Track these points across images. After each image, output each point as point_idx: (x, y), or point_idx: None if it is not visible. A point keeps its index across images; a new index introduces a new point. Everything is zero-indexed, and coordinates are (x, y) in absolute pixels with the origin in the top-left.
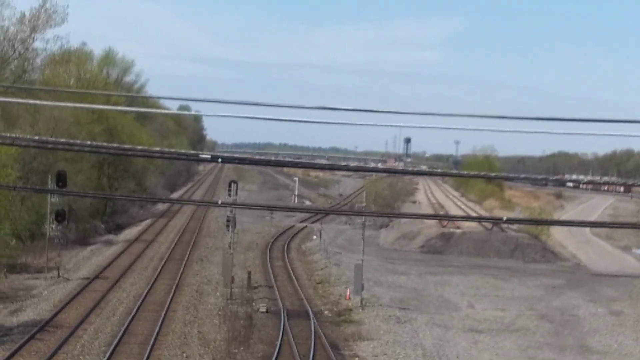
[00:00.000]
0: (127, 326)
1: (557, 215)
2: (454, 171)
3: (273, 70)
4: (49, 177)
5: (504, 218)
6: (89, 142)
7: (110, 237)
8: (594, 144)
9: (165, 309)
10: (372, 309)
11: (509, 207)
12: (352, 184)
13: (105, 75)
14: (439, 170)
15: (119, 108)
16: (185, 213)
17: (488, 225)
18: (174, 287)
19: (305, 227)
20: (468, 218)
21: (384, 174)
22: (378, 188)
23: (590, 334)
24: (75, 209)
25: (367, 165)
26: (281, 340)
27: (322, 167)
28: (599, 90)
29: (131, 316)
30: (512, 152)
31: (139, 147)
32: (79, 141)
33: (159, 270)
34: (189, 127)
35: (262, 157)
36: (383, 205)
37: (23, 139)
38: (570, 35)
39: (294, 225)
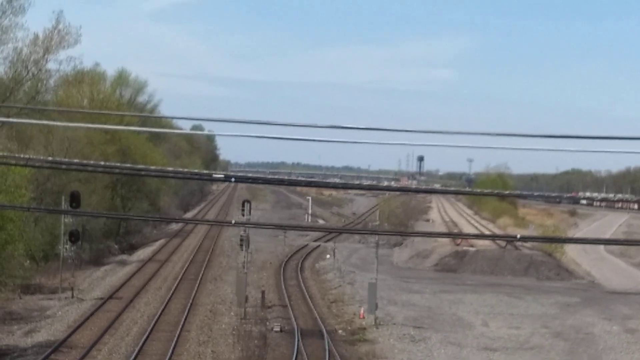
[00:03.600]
0: (141, 346)
1: (571, 233)
2: (467, 189)
3: (286, 89)
4: (63, 197)
5: (518, 236)
6: (102, 163)
7: (124, 257)
8: (608, 161)
9: (179, 328)
10: (386, 327)
11: (522, 224)
12: (366, 203)
13: (118, 96)
14: (452, 189)
15: (132, 128)
16: (199, 233)
17: (502, 243)
18: (187, 307)
19: (319, 246)
20: (482, 236)
21: (397, 193)
22: (391, 206)
23: (605, 352)
24: (89, 230)
25: (380, 184)
26: None
27: (335, 186)
28: (613, 107)
29: (145, 336)
30: (526, 170)
31: (152, 167)
32: (92, 162)
33: (172, 290)
34: (202, 147)
35: (275, 177)
36: (396, 223)
37: (37, 160)
38: (583, 52)
39: (307, 244)
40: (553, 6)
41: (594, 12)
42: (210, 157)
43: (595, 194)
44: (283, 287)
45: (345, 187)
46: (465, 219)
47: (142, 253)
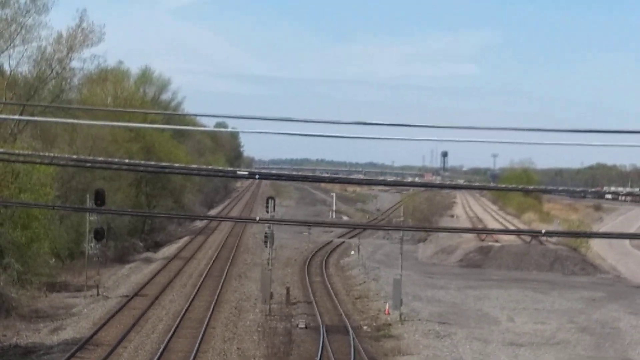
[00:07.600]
0: (167, 343)
1: (596, 228)
2: (491, 184)
3: (310, 86)
4: (88, 195)
5: (543, 231)
6: (126, 160)
7: (149, 254)
8: (633, 155)
9: (204, 325)
10: (412, 323)
11: (547, 219)
12: (390, 199)
13: (142, 94)
14: (476, 184)
15: (156, 126)
16: (223, 230)
17: (527, 238)
18: (213, 304)
19: (343, 242)
20: (506, 231)
21: (422, 188)
22: (416, 202)
23: (631, 347)
24: (114, 227)
25: (405, 180)
26: (320, 356)
27: (359, 182)
28: (638, 100)
29: (170, 333)
30: (550, 165)
31: (177, 165)
32: (116, 159)
33: (197, 287)
34: (225, 144)
35: (299, 173)
36: (421, 219)
37: (61, 158)
38: (609, 44)
39: (331, 241)
40: None
41: (619, 3)
42: (234, 154)
43: (620, 189)
44: (308, 283)
45: (369, 183)
46: (490, 214)
47: (167, 250)
